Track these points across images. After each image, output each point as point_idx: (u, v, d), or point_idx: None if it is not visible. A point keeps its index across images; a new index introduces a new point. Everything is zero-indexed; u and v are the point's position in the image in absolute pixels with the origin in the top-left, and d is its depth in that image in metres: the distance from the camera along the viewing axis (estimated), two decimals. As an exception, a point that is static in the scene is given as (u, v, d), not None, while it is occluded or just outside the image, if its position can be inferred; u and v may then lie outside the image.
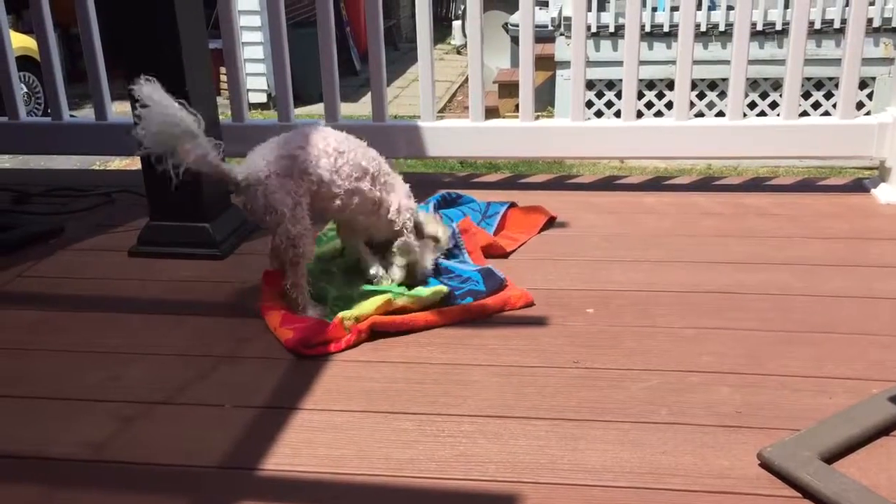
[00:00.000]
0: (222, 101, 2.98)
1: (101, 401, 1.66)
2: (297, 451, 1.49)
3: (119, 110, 3.14)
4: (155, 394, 1.68)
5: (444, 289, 1.96)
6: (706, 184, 2.98)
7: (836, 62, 4.04)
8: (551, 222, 2.50)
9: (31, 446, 1.53)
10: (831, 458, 1.40)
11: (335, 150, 1.93)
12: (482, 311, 1.95)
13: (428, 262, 2.05)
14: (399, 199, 2.04)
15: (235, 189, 1.90)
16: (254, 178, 1.86)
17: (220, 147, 1.84)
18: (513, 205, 2.54)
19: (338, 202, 1.94)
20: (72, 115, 3.20)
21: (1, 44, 3.02)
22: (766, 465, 1.40)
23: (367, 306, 1.88)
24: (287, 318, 1.89)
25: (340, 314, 1.86)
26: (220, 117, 2.63)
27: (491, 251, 2.26)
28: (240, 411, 1.62)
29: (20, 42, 5.98)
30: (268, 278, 2.03)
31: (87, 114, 3.30)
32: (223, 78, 2.42)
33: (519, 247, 2.34)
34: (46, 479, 1.44)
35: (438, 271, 2.08)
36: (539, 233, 2.43)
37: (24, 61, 6.09)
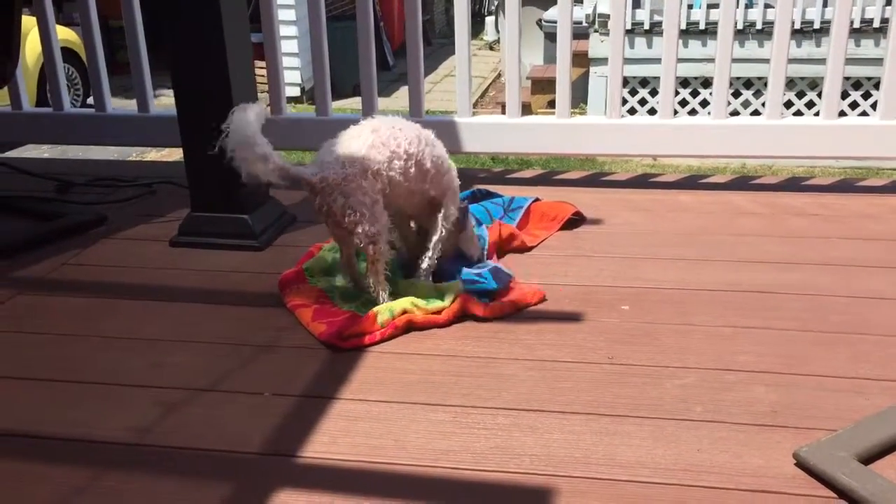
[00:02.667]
0: (259, 96, 3.02)
1: (144, 386, 1.71)
2: (334, 440, 1.52)
3: (160, 103, 3.19)
4: (196, 381, 1.71)
5: (460, 285, 1.98)
6: (742, 183, 2.97)
7: (875, 62, 3.99)
8: (578, 219, 2.50)
9: (79, 429, 1.57)
10: (868, 458, 1.40)
11: (405, 153, 1.93)
12: (501, 309, 1.95)
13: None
14: (453, 202, 2.06)
15: (310, 190, 1.90)
16: (332, 179, 1.87)
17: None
18: (536, 200, 2.53)
19: (400, 201, 1.99)
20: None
21: (48, 37, 3.08)
22: (801, 464, 1.40)
23: (401, 304, 1.91)
24: (319, 313, 1.92)
25: (375, 308, 1.89)
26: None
27: (513, 244, 2.28)
28: (279, 399, 1.65)
29: (61, 34, 6.09)
30: (284, 283, 2.07)
31: (121, 105, 3.35)
32: (258, 72, 2.45)
33: (541, 242, 2.35)
34: (93, 462, 1.48)
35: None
36: (563, 228, 2.44)
37: (64, 53, 6.19)
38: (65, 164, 3.44)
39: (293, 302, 1.99)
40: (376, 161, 1.89)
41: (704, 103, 7.52)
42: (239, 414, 1.61)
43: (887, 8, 6.64)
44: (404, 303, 1.91)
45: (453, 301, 1.94)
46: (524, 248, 2.30)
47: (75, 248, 2.41)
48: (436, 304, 1.94)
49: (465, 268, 2.07)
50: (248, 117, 1.81)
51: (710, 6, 7.10)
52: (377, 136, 1.92)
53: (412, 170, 1.95)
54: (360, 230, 1.89)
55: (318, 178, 1.87)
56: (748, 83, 7.42)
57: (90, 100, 3.29)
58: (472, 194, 2.57)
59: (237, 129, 1.80)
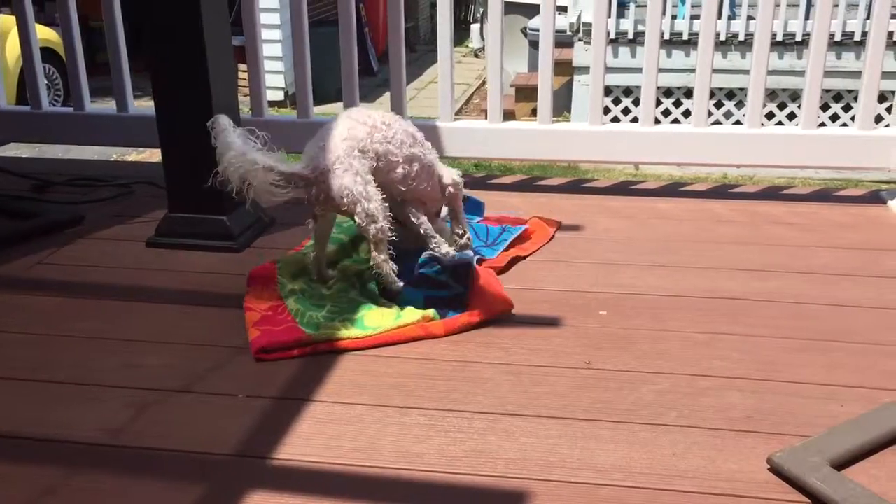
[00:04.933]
0: (241, 98, 3.01)
1: (118, 387, 1.69)
2: (309, 442, 1.51)
3: (139, 104, 3.17)
4: (171, 382, 1.70)
5: (431, 313, 1.90)
6: (722, 191, 2.99)
7: (855, 74, 4.03)
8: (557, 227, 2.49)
9: (52, 429, 1.55)
10: (841, 464, 1.41)
11: (383, 124, 2.02)
12: (467, 324, 1.90)
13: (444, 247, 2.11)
14: (443, 167, 2.17)
15: (305, 183, 1.93)
16: (322, 167, 1.92)
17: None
18: (523, 230, 2.39)
19: (399, 170, 2.04)
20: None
21: (26, 35, 3.05)
22: (775, 469, 1.41)
23: (346, 331, 1.84)
24: (264, 319, 1.90)
25: (311, 333, 1.83)
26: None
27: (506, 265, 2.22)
28: (253, 401, 1.63)
29: (42, 34, 6.04)
30: (251, 279, 2.06)
31: (101, 107, 3.32)
32: (241, 75, 2.44)
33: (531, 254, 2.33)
34: (66, 462, 1.46)
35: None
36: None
37: (45, 53, 6.14)
38: (43, 164, 3.41)
39: (247, 303, 1.98)
40: (359, 138, 1.96)
41: (687, 113, 7.57)
42: (213, 415, 1.60)
43: (867, 21, 6.71)
44: (361, 333, 1.84)
45: (408, 324, 1.87)
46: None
47: (50, 247, 2.39)
48: (395, 318, 1.89)
49: (423, 269, 2.00)
50: (235, 132, 1.87)
51: (692, 17, 7.15)
52: (352, 119, 2.01)
53: (397, 136, 2.03)
54: (359, 209, 1.92)
55: (309, 168, 1.93)
56: (731, 94, 7.48)
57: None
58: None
59: (237, 154, 1.85)
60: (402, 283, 1.99)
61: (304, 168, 1.93)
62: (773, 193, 2.94)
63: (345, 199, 1.92)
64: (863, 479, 1.37)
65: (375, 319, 1.89)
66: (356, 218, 1.94)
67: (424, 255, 2.03)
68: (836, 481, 1.35)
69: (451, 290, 1.97)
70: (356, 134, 1.97)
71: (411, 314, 1.90)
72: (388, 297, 2.00)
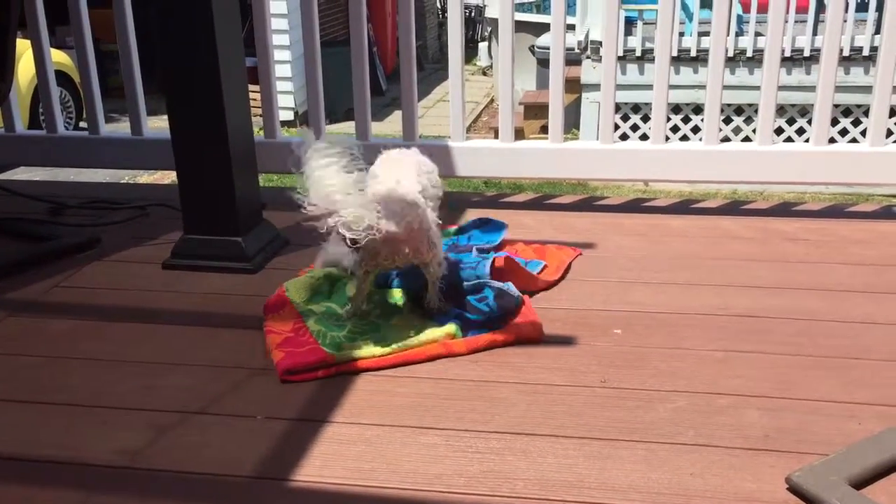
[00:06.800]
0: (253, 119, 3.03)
1: (135, 409, 1.70)
2: (326, 463, 1.51)
3: (153, 126, 3.20)
4: (188, 404, 1.70)
5: (453, 329, 1.91)
6: (733, 208, 2.99)
7: (865, 89, 4.04)
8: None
9: (69, 452, 1.56)
10: (860, 483, 1.40)
11: (427, 169, 2.00)
12: (490, 343, 1.90)
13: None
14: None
15: (384, 241, 1.78)
16: (416, 225, 1.81)
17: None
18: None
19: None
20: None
21: (41, 59, 3.09)
22: (793, 489, 1.40)
23: (369, 349, 1.85)
24: (287, 341, 1.89)
25: (334, 354, 1.83)
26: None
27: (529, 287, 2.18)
28: (271, 423, 1.64)
29: (54, 57, 6.10)
30: (267, 308, 2.05)
31: (113, 129, 3.35)
32: (252, 96, 2.46)
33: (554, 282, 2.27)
34: (83, 485, 1.47)
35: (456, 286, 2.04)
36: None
37: (57, 76, 6.20)
38: (57, 187, 3.44)
39: (268, 326, 1.98)
40: (424, 185, 1.89)
41: (696, 129, 7.59)
42: (231, 437, 1.60)
43: (876, 37, 6.72)
44: (387, 350, 1.85)
45: (430, 341, 1.88)
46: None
47: (67, 270, 2.40)
48: (417, 335, 1.89)
49: (469, 295, 2.01)
50: (326, 154, 1.70)
51: (701, 34, 7.18)
52: (409, 161, 1.96)
53: (435, 178, 2.01)
54: (440, 257, 1.93)
55: (403, 228, 1.79)
56: (739, 110, 7.49)
57: (83, 123, 3.29)
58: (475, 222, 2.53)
59: (321, 180, 1.68)
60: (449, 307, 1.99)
61: (398, 226, 1.77)
62: (784, 209, 2.94)
63: (430, 253, 1.89)
64: (882, 499, 1.37)
65: (396, 336, 1.89)
66: (430, 268, 1.92)
67: (471, 281, 2.04)
68: (855, 501, 1.34)
69: (486, 316, 1.97)
70: (422, 181, 1.88)
71: (434, 332, 1.90)
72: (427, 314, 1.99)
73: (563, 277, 2.28)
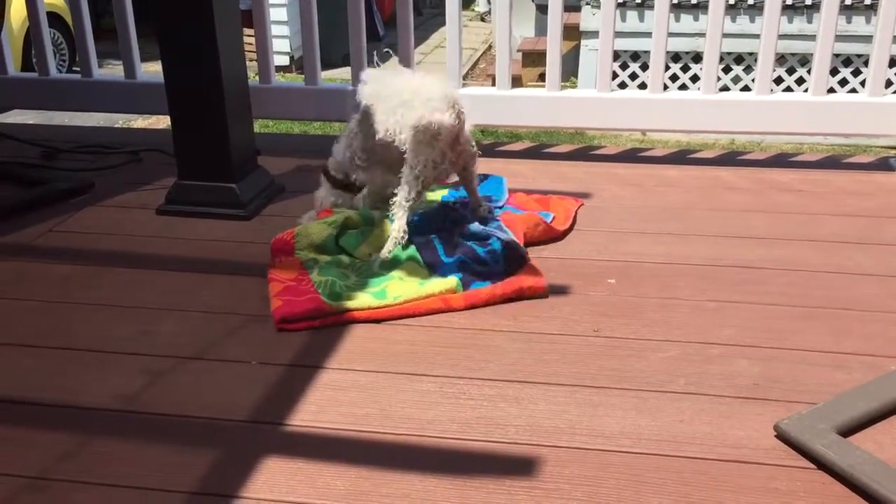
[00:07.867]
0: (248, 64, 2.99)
1: (131, 354, 1.71)
2: (322, 409, 1.53)
3: (150, 70, 3.16)
4: (184, 349, 1.72)
5: (455, 283, 1.90)
6: (730, 158, 2.98)
7: (866, 39, 3.99)
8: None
9: (66, 395, 1.57)
10: (847, 431, 1.43)
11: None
12: (490, 298, 1.90)
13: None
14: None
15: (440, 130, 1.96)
16: (455, 98, 1.99)
17: None
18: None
19: None
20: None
21: (34, 1, 3.03)
22: (781, 436, 1.42)
23: (367, 300, 1.85)
24: (287, 290, 1.89)
25: (332, 303, 1.83)
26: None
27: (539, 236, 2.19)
28: (266, 368, 1.66)
29: (47, -2, 6.00)
30: (274, 249, 2.05)
31: (109, 73, 3.31)
32: (246, 40, 2.42)
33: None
34: (80, 428, 1.49)
35: (465, 234, 2.04)
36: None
37: (50, 17, 6.11)
38: (50, 130, 3.41)
39: (271, 274, 1.98)
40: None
41: (695, 78, 7.51)
42: (226, 382, 1.62)
43: (879, -15, 6.62)
44: (381, 302, 1.85)
45: (429, 296, 1.87)
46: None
47: (61, 215, 2.40)
48: (417, 288, 1.89)
49: (473, 243, 2.00)
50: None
51: (702, -20, 7.07)
52: (400, 68, 2.24)
53: None
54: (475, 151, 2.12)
55: (450, 98, 1.98)
56: (739, 58, 7.41)
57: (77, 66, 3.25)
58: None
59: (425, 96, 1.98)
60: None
61: (448, 95, 1.98)
62: (781, 160, 2.93)
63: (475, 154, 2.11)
64: (869, 446, 1.39)
65: (397, 290, 1.89)
66: (474, 162, 2.12)
67: (477, 227, 2.05)
68: (842, 448, 1.37)
69: (489, 267, 1.96)
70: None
71: (435, 285, 1.89)
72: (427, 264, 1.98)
73: (572, 227, 2.29)
